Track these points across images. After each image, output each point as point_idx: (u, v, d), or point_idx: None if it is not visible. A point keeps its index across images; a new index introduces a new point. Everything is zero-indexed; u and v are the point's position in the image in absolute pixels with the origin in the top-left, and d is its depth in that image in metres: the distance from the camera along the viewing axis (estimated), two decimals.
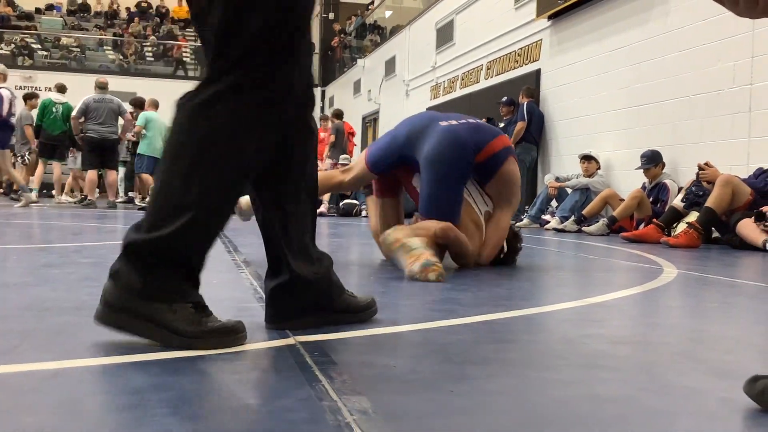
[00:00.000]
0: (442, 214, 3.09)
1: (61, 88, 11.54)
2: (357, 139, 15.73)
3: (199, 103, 1.45)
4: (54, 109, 11.12)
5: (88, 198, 10.40)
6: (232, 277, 2.70)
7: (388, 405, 1.11)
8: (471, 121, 3.35)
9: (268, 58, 1.45)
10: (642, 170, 6.85)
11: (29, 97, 11.71)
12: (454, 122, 3.25)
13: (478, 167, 3.25)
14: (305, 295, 1.66)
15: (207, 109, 1.45)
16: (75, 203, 11.13)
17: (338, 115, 13.14)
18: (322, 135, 13.29)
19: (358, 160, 3.48)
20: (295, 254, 1.62)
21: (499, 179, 3.31)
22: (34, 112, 11.54)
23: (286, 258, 1.61)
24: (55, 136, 11.20)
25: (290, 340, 1.54)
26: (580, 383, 1.29)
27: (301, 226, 1.64)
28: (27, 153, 11.69)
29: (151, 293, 1.43)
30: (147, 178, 11.49)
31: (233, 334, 1.47)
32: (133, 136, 11.47)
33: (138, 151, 11.16)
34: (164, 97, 11.90)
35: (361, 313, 1.78)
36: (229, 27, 1.44)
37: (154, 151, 11.40)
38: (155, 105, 11.53)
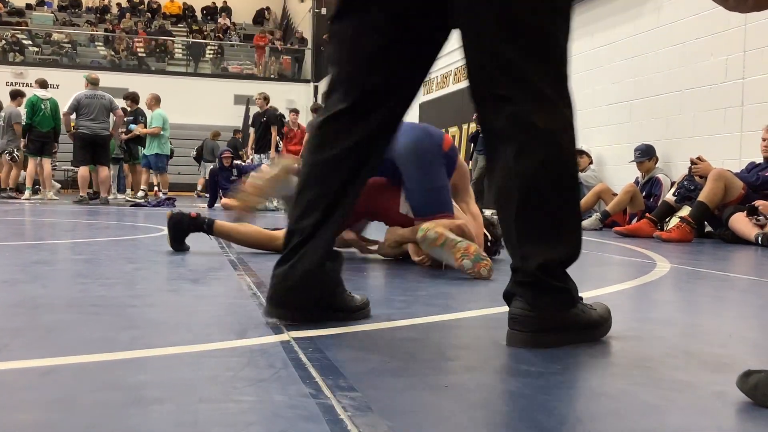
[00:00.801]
0: (441, 204, 3.04)
1: (43, 84, 11.52)
2: None
3: (556, 130, 1.52)
4: (42, 106, 11.09)
5: (80, 195, 10.36)
6: (226, 274, 2.69)
7: (382, 401, 1.11)
8: (415, 123, 3.38)
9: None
10: (635, 164, 6.87)
11: (16, 95, 11.63)
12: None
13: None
14: (315, 288, 1.67)
15: (562, 134, 1.53)
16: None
17: (317, 109, 13.12)
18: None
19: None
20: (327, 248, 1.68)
21: (459, 170, 3.32)
22: (22, 110, 11.51)
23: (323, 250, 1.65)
24: (45, 132, 11.18)
25: (284, 336, 1.54)
26: (577, 378, 1.29)
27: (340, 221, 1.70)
28: (15, 150, 11.64)
29: (572, 302, 1.56)
30: (165, 177, 11.62)
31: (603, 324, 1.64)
32: (139, 134, 11.54)
33: (156, 152, 11.27)
34: (155, 92, 11.91)
35: (356, 313, 1.79)
36: (565, 51, 1.55)
37: (168, 150, 11.57)
38: (159, 101, 11.56)
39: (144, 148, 12.08)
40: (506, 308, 1.55)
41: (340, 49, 1.72)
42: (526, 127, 1.50)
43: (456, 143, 12.26)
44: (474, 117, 10.29)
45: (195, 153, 18.32)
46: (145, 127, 12.03)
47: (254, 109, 13.44)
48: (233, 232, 3.37)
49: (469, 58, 1.61)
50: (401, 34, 1.68)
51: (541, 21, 1.50)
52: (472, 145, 10.04)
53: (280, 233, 3.31)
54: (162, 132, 11.18)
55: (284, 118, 12.73)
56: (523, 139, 1.51)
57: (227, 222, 3.38)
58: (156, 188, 12.23)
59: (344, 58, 1.72)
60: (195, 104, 21.63)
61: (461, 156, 3.43)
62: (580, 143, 8.11)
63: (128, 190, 12.89)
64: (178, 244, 3.38)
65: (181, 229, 3.35)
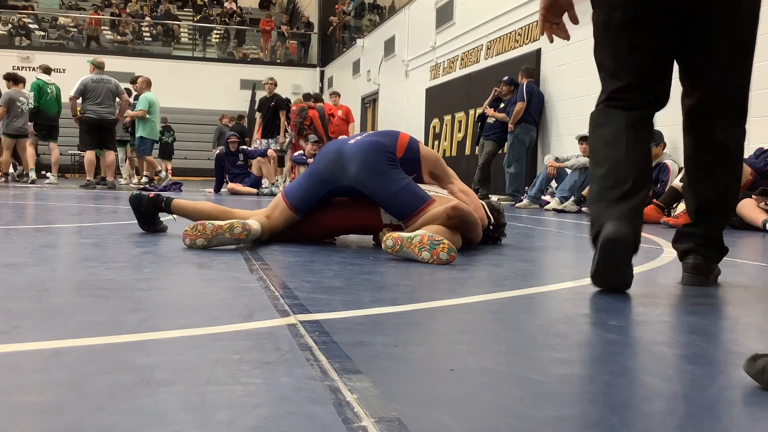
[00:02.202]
0: (419, 199, 3.06)
1: (46, 69, 11.50)
2: (356, 120, 15.70)
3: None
4: (48, 90, 11.08)
5: (87, 179, 10.38)
6: (232, 257, 2.70)
7: (388, 384, 1.11)
8: (371, 132, 3.41)
9: None
10: None
11: (13, 79, 11.51)
12: (359, 137, 3.29)
13: (401, 163, 3.22)
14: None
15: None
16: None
17: (316, 98, 13.21)
18: (339, 113, 13.35)
19: (275, 200, 3.29)
20: None
21: (426, 162, 3.33)
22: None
23: None
24: (52, 116, 11.18)
25: (291, 320, 1.54)
26: (581, 362, 1.30)
27: None
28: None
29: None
30: (151, 160, 11.55)
31: None
32: (129, 118, 11.44)
33: (141, 134, 11.17)
34: (161, 77, 11.90)
35: None
36: None
37: (156, 134, 11.46)
38: (150, 84, 11.50)
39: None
40: (510, 293, 1.56)
41: (636, 54, 2.28)
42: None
43: (463, 128, 12.23)
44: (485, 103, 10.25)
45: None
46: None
47: (260, 94, 13.44)
48: (191, 209, 3.36)
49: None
50: (677, 45, 2.27)
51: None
52: (479, 130, 10.00)
53: (237, 211, 3.32)
54: (148, 116, 11.10)
55: (290, 102, 12.74)
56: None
57: (185, 200, 3.39)
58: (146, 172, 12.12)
59: (640, 63, 2.29)
60: (201, 89, 21.61)
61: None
62: (587, 129, 8.08)
63: (134, 177, 12.90)
64: (146, 225, 3.45)
65: (140, 210, 3.39)
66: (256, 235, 2.98)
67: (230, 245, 2.94)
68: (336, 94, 14.09)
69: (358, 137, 3.28)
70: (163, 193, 3.45)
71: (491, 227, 3.40)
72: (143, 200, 3.38)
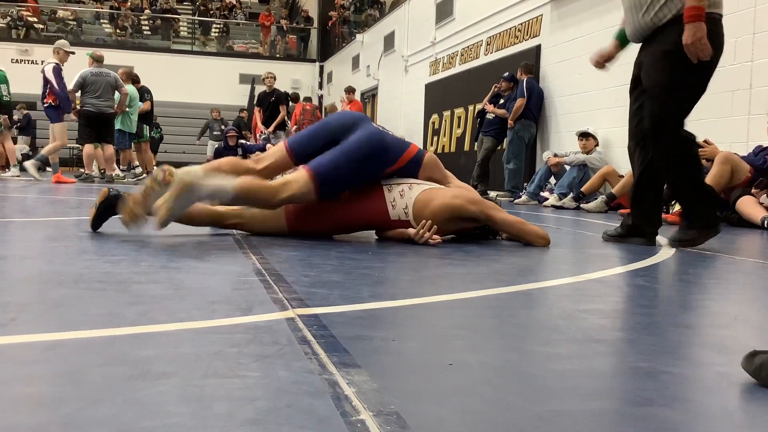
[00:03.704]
0: (327, 180, 3.06)
1: None
2: None
3: None
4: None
5: (86, 172, 10.36)
6: (231, 251, 2.70)
7: (386, 378, 1.11)
8: (393, 133, 3.43)
9: None
10: None
11: None
12: (382, 128, 3.34)
13: (400, 171, 3.31)
14: None
15: None
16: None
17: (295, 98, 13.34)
18: (347, 107, 13.34)
19: (275, 148, 3.28)
20: None
21: (425, 169, 3.38)
22: None
23: None
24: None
25: (289, 313, 1.54)
26: (579, 357, 1.30)
27: None
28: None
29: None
30: (131, 153, 11.48)
31: None
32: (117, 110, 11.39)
33: (118, 127, 11.11)
34: (160, 71, 11.87)
35: None
36: None
37: (133, 128, 11.40)
38: (130, 77, 11.46)
39: (149, 126, 12.05)
40: (509, 288, 1.56)
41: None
42: None
43: (462, 123, 12.22)
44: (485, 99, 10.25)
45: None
46: (152, 105, 12.01)
47: (260, 89, 13.43)
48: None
49: None
50: None
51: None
52: (478, 126, 10.00)
53: (220, 209, 3.15)
54: (127, 109, 11.05)
55: (290, 96, 12.75)
56: None
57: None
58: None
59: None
60: (200, 83, 21.57)
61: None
62: (587, 125, 8.08)
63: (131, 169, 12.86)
64: (99, 222, 3.11)
65: (106, 205, 3.05)
66: (187, 178, 2.73)
67: (168, 200, 2.71)
68: (350, 90, 14.07)
69: (381, 128, 3.35)
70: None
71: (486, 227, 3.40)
72: (111, 199, 3.03)
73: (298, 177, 3.07)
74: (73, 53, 10.19)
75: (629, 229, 3.57)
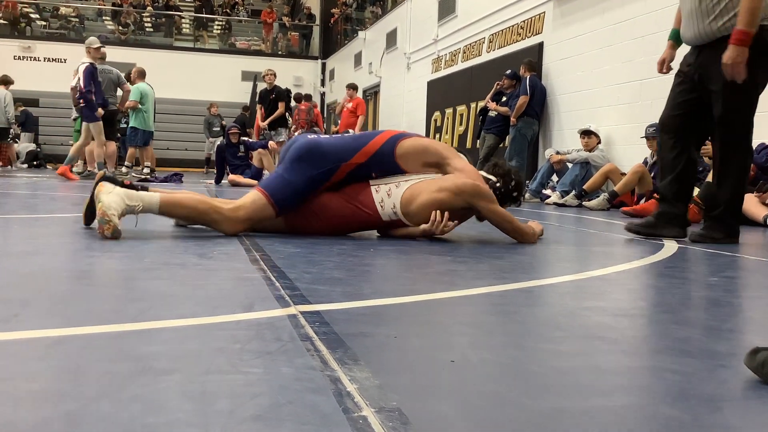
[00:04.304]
0: (270, 188, 3.11)
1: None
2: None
3: None
4: None
5: (88, 169, 10.37)
6: (233, 248, 2.70)
7: (388, 375, 1.11)
8: (346, 134, 3.43)
9: None
10: (646, 141, 6.80)
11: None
12: (324, 136, 3.37)
13: (364, 166, 3.23)
14: None
15: None
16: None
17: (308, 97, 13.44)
18: (349, 105, 13.33)
19: (250, 195, 3.16)
20: None
21: (408, 158, 3.28)
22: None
23: None
24: None
25: (291, 310, 1.55)
26: (581, 354, 1.30)
27: None
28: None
29: None
30: (149, 150, 11.50)
31: None
32: (125, 109, 11.40)
33: (133, 125, 11.13)
34: (162, 68, 11.86)
35: None
36: None
37: (149, 125, 11.37)
38: (143, 75, 11.46)
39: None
40: (511, 285, 1.55)
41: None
42: None
43: (464, 121, 12.21)
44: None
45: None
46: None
47: (262, 86, 13.42)
48: (173, 203, 3.13)
49: None
50: None
51: None
52: (481, 123, 9.99)
53: (217, 203, 3.14)
54: (140, 106, 11.05)
55: (290, 93, 12.74)
56: None
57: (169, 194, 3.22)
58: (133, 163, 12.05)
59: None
60: (202, 80, 21.56)
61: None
62: (589, 123, 8.07)
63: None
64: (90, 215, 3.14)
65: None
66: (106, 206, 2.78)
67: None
68: (351, 87, 14.04)
69: (323, 135, 3.41)
70: (144, 184, 3.25)
71: (502, 190, 3.32)
72: (116, 183, 3.05)
73: (252, 195, 3.14)
74: (102, 46, 10.06)
75: (660, 219, 3.68)
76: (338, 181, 3.24)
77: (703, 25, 3.51)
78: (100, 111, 9.63)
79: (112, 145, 10.58)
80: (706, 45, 3.56)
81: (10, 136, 12.65)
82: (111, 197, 2.81)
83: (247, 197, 3.13)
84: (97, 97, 9.46)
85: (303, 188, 3.15)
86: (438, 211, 3.07)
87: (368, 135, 3.37)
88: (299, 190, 3.15)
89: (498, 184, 3.32)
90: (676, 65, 3.86)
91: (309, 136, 3.29)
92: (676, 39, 3.89)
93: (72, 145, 11.08)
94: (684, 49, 3.79)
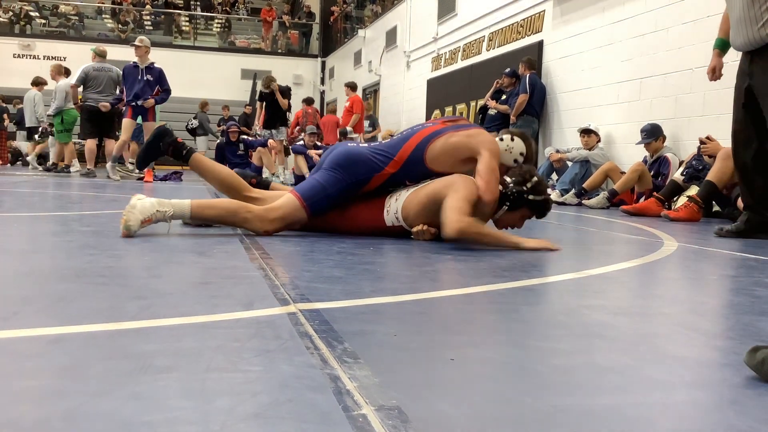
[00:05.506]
0: (304, 192, 3.17)
1: None
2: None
3: None
4: None
5: (87, 167, 10.36)
6: (233, 247, 2.70)
7: (388, 373, 1.11)
8: (381, 142, 3.42)
9: None
10: (642, 145, 6.82)
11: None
12: (363, 145, 3.38)
13: (396, 175, 3.26)
14: None
15: None
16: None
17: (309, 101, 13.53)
18: (347, 104, 13.32)
19: (284, 197, 3.20)
20: None
21: (438, 159, 3.26)
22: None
23: None
24: None
25: (291, 308, 1.55)
26: (581, 352, 1.30)
27: None
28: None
29: None
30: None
31: None
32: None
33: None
34: (162, 66, 11.88)
35: None
36: None
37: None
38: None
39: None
40: (511, 284, 1.55)
41: None
42: None
43: (464, 119, 12.20)
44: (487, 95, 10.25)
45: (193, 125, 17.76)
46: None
47: (260, 85, 13.41)
48: (208, 169, 3.38)
49: None
50: None
51: None
52: (480, 122, 9.99)
53: (253, 190, 3.36)
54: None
55: (290, 90, 12.73)
56: None
57: (206, 159, 3.41)
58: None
59: None
60: (201, 78, 21.54)
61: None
62: (589, 121, 8.07)
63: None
64: (145, 160, 3.37)
65: (158, 143, 3.28)
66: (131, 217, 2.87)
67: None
68: (351, 86, 14.04)
69: (362, 144, 3.43)
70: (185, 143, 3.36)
71: (514, 193, 3.14)
72: (168, 137, 3.29)
73: (286, 199, 3.18)
74: (140, 45, 10.10)
75: (751, 224, 3.94)
76: (372, 189, 3.30)
77: (752, 31, 3.65)
78: (107, 106, 9.71)
79: (112, 143, 10.56)
80: (756, 51, 3.71)
81: (39, 133, 12.71)
82: (143, 202, 2.91)
83: (281, 199, 3.19)
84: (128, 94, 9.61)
85: (336, 194, 3.22)
86: (422, 225, 3.13)
87: (399, 141, 3.34)
88: (332, 196, 3.21)
89: (511, 185, 3.14)
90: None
91: (348, 144, 3.35)
92: (721, 47, 4.12)
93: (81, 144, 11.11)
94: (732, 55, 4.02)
